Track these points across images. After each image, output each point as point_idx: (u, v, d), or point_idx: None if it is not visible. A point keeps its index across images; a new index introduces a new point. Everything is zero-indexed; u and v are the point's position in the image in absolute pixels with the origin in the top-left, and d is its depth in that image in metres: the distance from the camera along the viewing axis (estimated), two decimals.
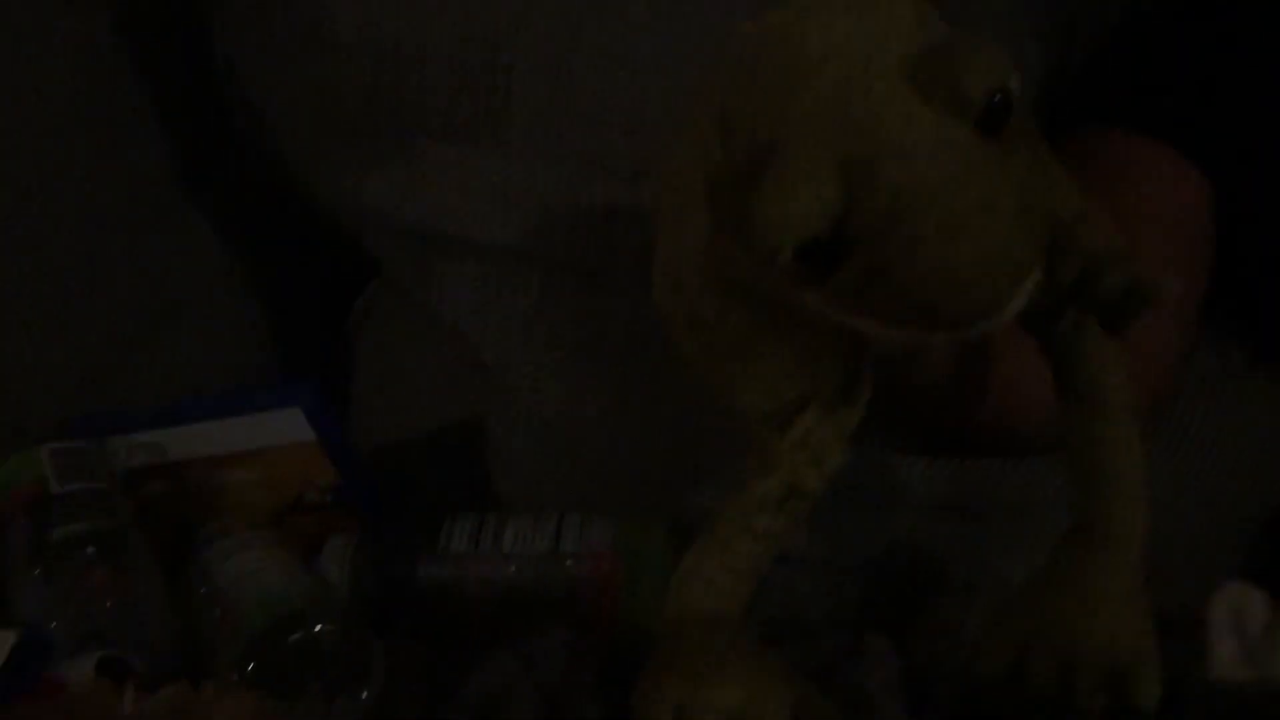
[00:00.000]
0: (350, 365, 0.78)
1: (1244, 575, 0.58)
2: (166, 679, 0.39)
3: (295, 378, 0.72)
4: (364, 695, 0.53)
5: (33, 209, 0.68)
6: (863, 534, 0.63)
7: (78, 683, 0.46)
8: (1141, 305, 0.42)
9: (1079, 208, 0.42)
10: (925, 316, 0.38)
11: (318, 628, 0.53)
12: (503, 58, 0.65)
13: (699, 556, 0.51)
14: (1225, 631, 0.57)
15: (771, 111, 0.39)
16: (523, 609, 0.61)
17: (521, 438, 0.69)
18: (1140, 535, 0.48)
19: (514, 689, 0.51)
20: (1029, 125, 0.40)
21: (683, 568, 0.51)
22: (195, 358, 0.73)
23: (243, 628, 0.54)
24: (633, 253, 0.62)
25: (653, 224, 0.49)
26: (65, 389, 0.68)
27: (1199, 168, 0.63)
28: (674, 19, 0.63)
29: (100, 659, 0.50)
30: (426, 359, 0.73)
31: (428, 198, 0.67)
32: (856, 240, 0.37)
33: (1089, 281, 0.42)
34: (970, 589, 0.61)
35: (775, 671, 0.49)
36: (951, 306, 0.37)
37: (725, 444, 0.63)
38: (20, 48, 0.67)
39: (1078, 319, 0.45)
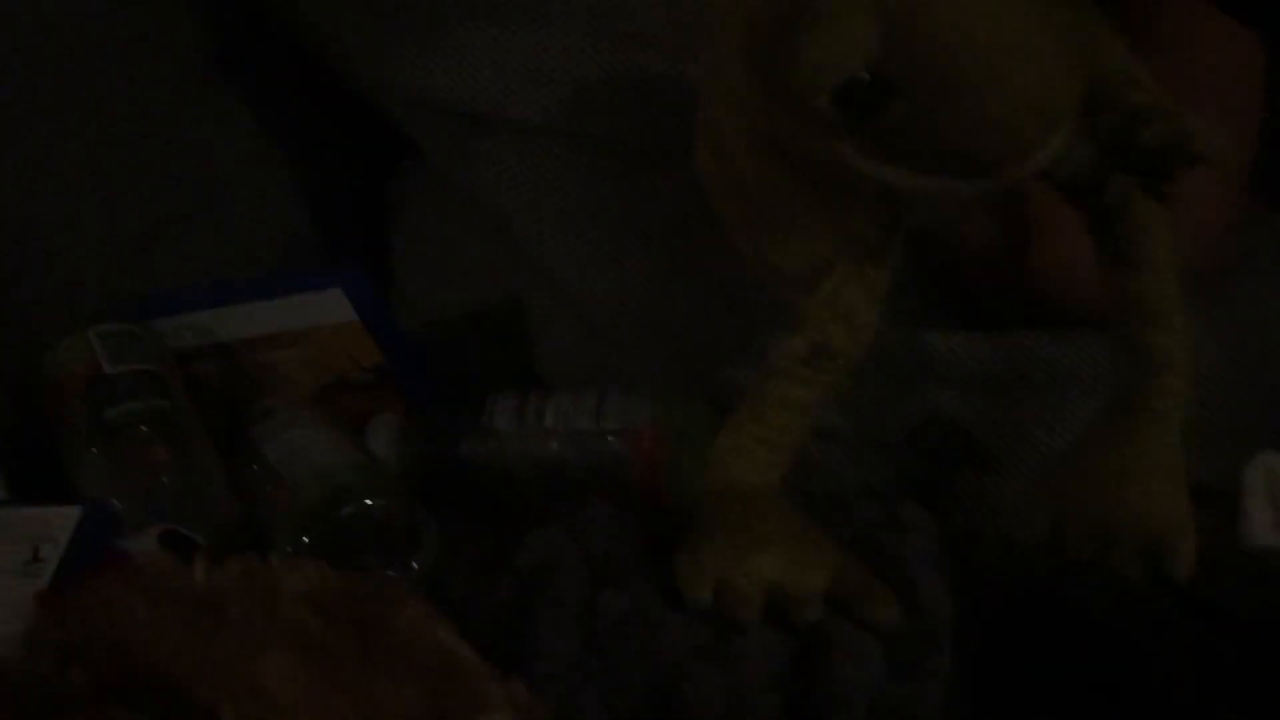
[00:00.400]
0: (388, 245, 0.78)
1: None
2: (228, 553, 0.40)
3: (338, 258, 0.73)
4: (416, 565, 0.54)
5: (76, 90, 0.68)
6: (899, 408, 0.64)
7: (144, 555, 0.48)
8: (1185, 160, 0.41)
9: (1123, 65, 0.42)
10: (958, 159, 0.38)
11: (369, 501, 0.55)
12: None
13: (735, 430, 0.52)
14: (1261, 500, 0.58)
15: None
16: (566, 484, 0.63)
17: (564, 318, 0.69)
18: (1181, 407, 0.48)
19: (561, 558, 0.52)
20: None
21: (719, 441, 0.52)
22: (238, 238, 0.73)
23: (296, 503, 0.56)
24: (676, 129, 0.62)
25: (697, 90, 0.49)
26: (110, 268, 0.68)
27: (1254, 32, 0.61)
28: None
29: (162, 533, 0.52)
30: (467, 239, 0.73)
31: (465, 76, 0.67)
32: (894, 82, 0.37)
33: (1130, 135, 0.41)
34: (1006, 461, 0.61)
35: (813, 541, 0.51)
36: (984, 148, 0.38)
37: (770, 321, 0.64)
38: None
39: (1123, 187, 0.44)
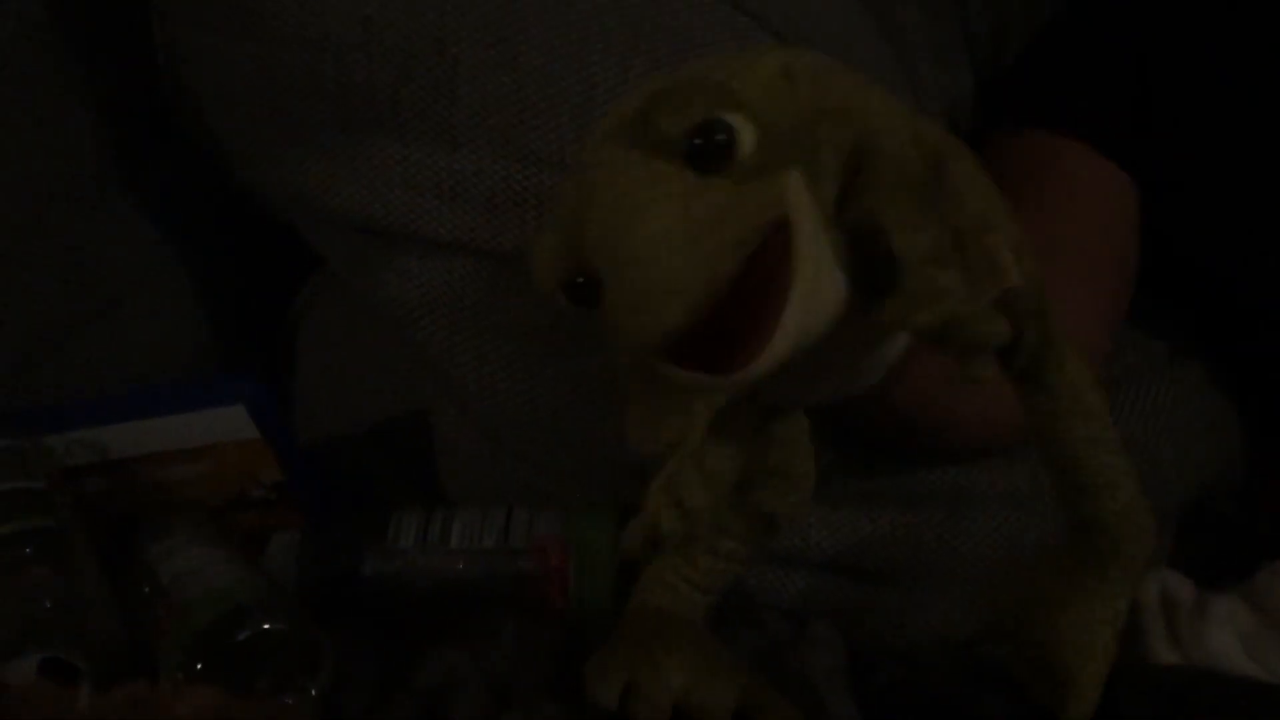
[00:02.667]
0: (292, 359, 0.77)
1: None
2: (113, 679, 0.38)
3: (238, 375, 0.71)
4: (313, 689, 0.52)
5: None
6: (812, 529, 0.64)
7: (22, 684, 0.45)
8: (967, 348, 0.41)
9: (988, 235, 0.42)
10: (632, 342, 0.41)
11: (265, 624, 0.53)
12: (449, 49, 0.64)
13: (663, 564, 0.52)
14: (1155, 615, 0.59)
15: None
16: (471, 602, 0.61)
17: (469, 433, 0.68)
18: (1138, 573, 0.48)
19: (462, 679, 0.51)
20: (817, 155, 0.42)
21: (647, 572, 0.52)
22: (134, 350, 0.71)
23: (188, 626, 0.54)
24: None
25: None
26: (3, 380, 0.66)
27: (1122, 166, 0.64)
28: (624, 10, 0.63)
29: (42, 660, 0.49)
30: (370, 353, 0.73)
31: (371, 193, 0.66)
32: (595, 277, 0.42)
33: (906, 320, 0.42)
34: (915, 581, 0.62)
35: (723, 655, 0.50)
36: (635, 331, 0.41)
37: None
38: None
39: (1038, 344, 0.45)
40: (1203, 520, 0.70)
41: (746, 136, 0.41)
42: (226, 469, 0.66)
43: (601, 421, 0.64)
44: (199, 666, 0.51)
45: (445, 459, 0.70)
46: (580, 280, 0.43)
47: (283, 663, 0.53)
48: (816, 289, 0.41)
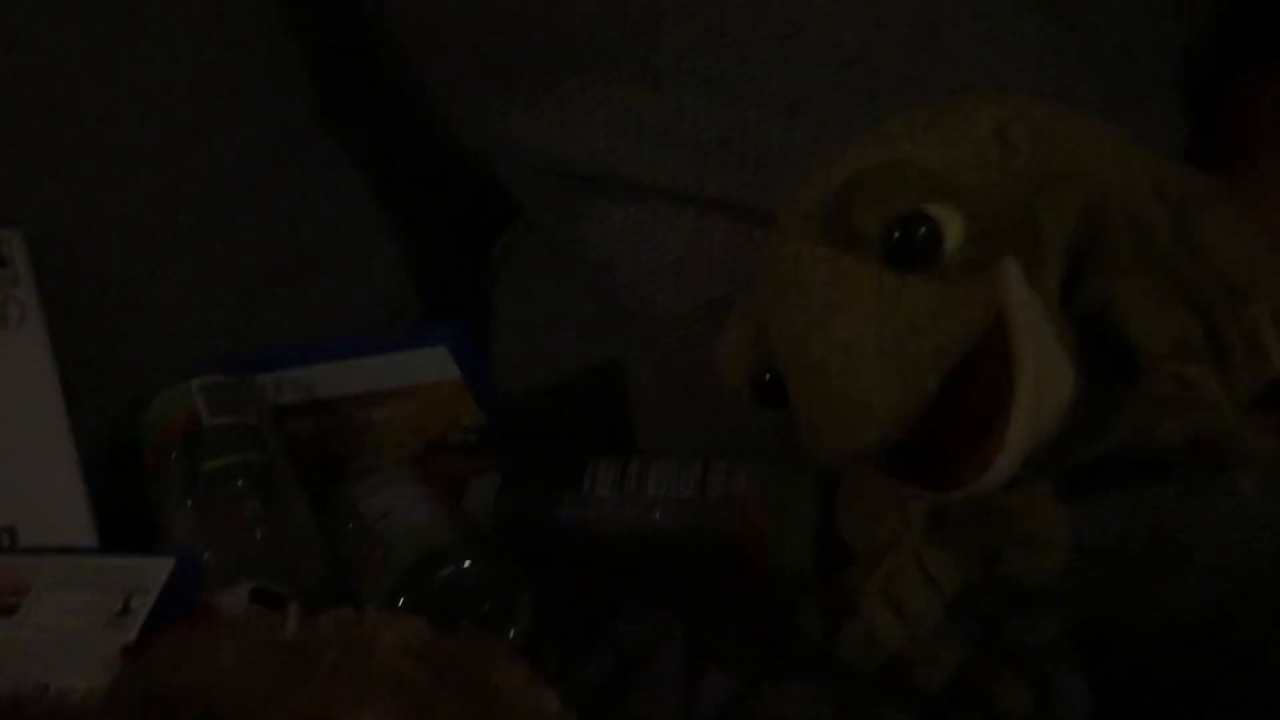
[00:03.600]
0: (489, 310, 0.77)
1: None
2: (321, 610, 0.39)
3: (442, 318, 0.72)
4: (511, 632, 0.52)
5: (182, 146, 0.68)
6: None
7: (235, 609, 0.46)
8: (1218, 463, 0.36)
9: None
10: (825, 454, 0.39)
11: (466, 564, 0.53)
12: None
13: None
14: None
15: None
16: (666, 553, 0.60)
17: (666, 384, 0.67)
18: None
19: (664, 635, 0.50)
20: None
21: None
22: (339, 300, 0.73)
23: (391, 563, 0.54)
24: (788, 189, 0.60)
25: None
26: (215, 325, 0.68)
27: None
28: None
29: (252, 590, 0.50)
30: (568, 302, 0.72)
31: (574, 136, 0.66)
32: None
33: (1149, 428, 0.37)
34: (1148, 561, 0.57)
35: (942, 621, 0.47)
36: (825, 444, 0.38)
37: None
38: None
39: None
40: None
41: (953, 228, 0.37)
42: (428, 411, 0.67)
43: None
44: (401, 603, 0.51)
45: (640, 410, 0.69)
46: (768, 379, 0.41)
47: (482, 605, 0.53)
48: (1042, 394, 0.36)
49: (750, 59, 0.61)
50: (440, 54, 0.71)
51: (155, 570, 0.49)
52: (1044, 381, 0.36)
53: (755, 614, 0.52)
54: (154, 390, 0.63)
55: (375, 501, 0.59)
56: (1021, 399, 0.36)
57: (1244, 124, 0.57)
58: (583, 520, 0.61)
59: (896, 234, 0.36)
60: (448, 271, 0.79)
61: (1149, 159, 0.40)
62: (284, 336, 0.69)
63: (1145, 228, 0.38)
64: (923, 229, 0.36)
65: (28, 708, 0.35)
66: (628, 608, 0.53)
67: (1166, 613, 0.56)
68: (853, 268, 0.37)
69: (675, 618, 0.52)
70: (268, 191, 0.71)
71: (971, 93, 0.42)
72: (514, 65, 0.67)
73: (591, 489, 0.62)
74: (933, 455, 0.37)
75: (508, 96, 0.68)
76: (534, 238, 0.75)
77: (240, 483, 0.58)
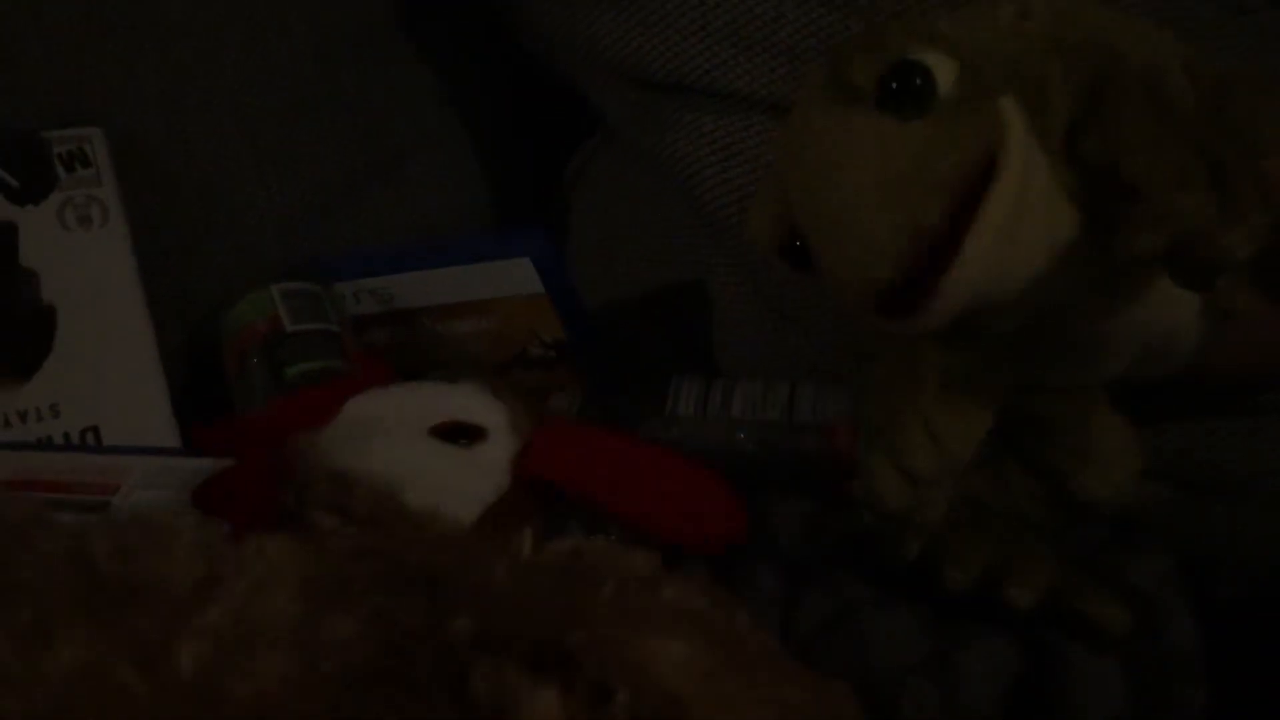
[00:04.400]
0: (567, 223, 0.76)
1: None
2: None
3: (525, 228, 0.71)
4: None
5: (266, 46, 0.67)
6: None
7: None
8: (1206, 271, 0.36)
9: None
10: (847, 303, 0.39)
11: None
12: None
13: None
14: None
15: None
16: (751, 476, 0.59)
17: (752, 304, 0.66)
18: None
19: (759, 556, 0.49)
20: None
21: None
22: (417, 205, 0.72)
23: None
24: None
25: None
26: (294, 228, 0.67)
27: None
28: None
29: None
30: (649, 218, 0.70)
31: (665, 42, 0.64)
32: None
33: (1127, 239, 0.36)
34: (1247, 490, 0.56)
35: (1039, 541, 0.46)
36: (845, 292, 0.39)
37: None
38: None
39: None
40: None
41: (944, 72, 0.38)
42: (509, 325, 0.66)
43: None
44: None
45: (724, 330, 0.67)
46: (796, 244, 0.41)
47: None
48: (1023, 217, 0.37)
49: None
50: None
51: None
52: (1025, 207, 0.37)
53: (849, 536, 0.51)
54: (234, 293, 0.63)
55: None
56: (990, 211, 0.37)
57: None
58: (665, 440, 0.60)
59: (891, 83, 0.38)
60: (524, 182, 0.77)
61: (1184, 49, 0.40)
62: (362, 242, 0.68)
63: (1166, 97, 0.38)
64: (916, 77, 0.38)
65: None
66: None
67: (1265, 546, 0.55)
68: (854, 118, 0.39)
69: (770, 539, 0.51)
70: (348, 94, 0.70)
71: None
72: None
73: (674, 408, 0.61)
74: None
75: (597, 3, 0.66)
76: (614, 151, 0.74)
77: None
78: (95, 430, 0.57)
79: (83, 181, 0.61)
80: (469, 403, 0.51)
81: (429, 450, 0.49)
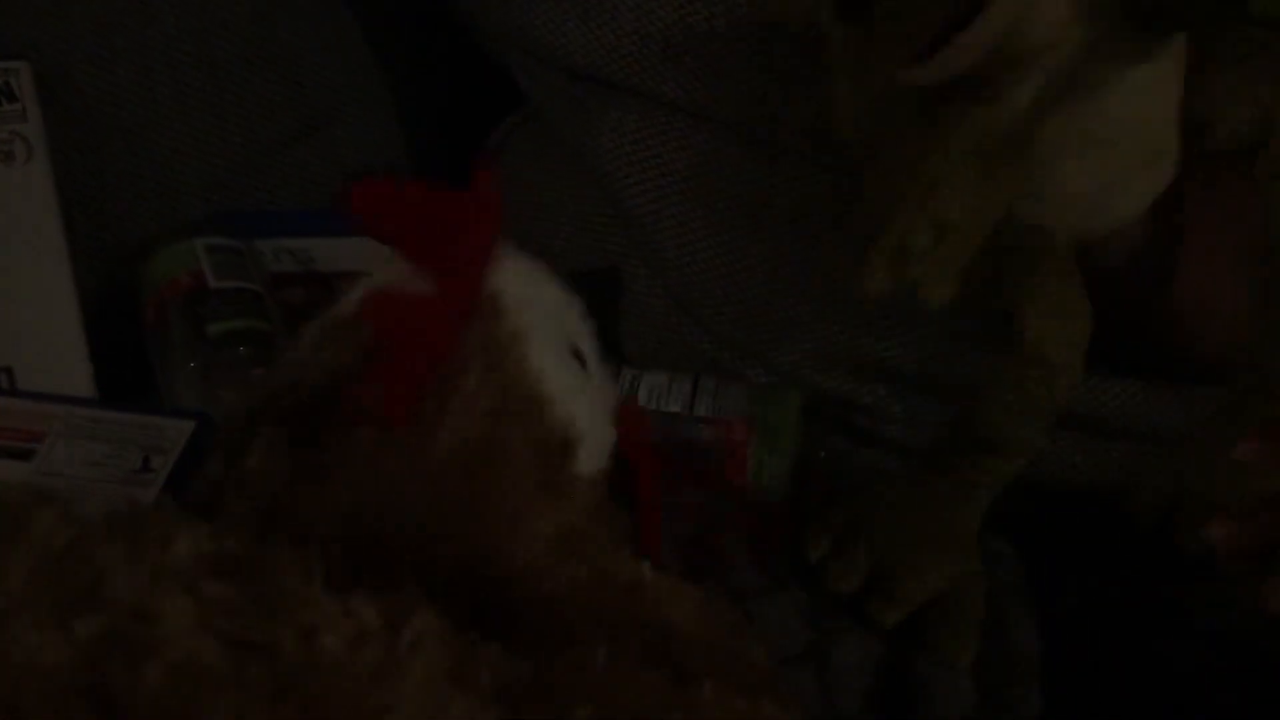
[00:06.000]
0: None
1: None
2: None
3: None
4: None
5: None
6: None
7: None
8: None
9: None
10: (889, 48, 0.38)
11: None
12: None
13: None
14: None
15: None
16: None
17: (659, 297, 0.68)
18: None
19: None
20: None
21: None
22: (342, 167, 0.72)
23: None
24: (804, 120, 0.62)
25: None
26: (219, 181, 0.68)
27: None
28: None
29: None
30: (568, 200, 0.72)
31: (599, 40, 0.66)
32: None
33: None
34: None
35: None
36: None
37: (874, 328, 0.63)
38: None
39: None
40: None
41: None
42: None
43: (797, 307, 0.64)
44: None
45: (631, 319, 0.70)
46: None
47: None
48: None
49: None
50: None
51: (175, 431, 0.49)
52: None
53: (742, 530, 0.55)
54: (154, 242, 0.63)
55: None
56: None
57: None
58: None
59: None
60: (448, 150, 0.79)
61: None
62: (287, 201, 0.69)
63: None
64: None
65: None
66: None
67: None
68: None
69: (665, 522, 0.54)
70: (278, 44, 0.70)
71: None
72: None
73: None
74: None
75: None
76: (537, 130, 0.75)
77: (244, 349, 0.59)
78: (9, 371, 0.57)
79: (7, 116, 0.60)
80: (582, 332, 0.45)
81: (577, 374, 0.43)
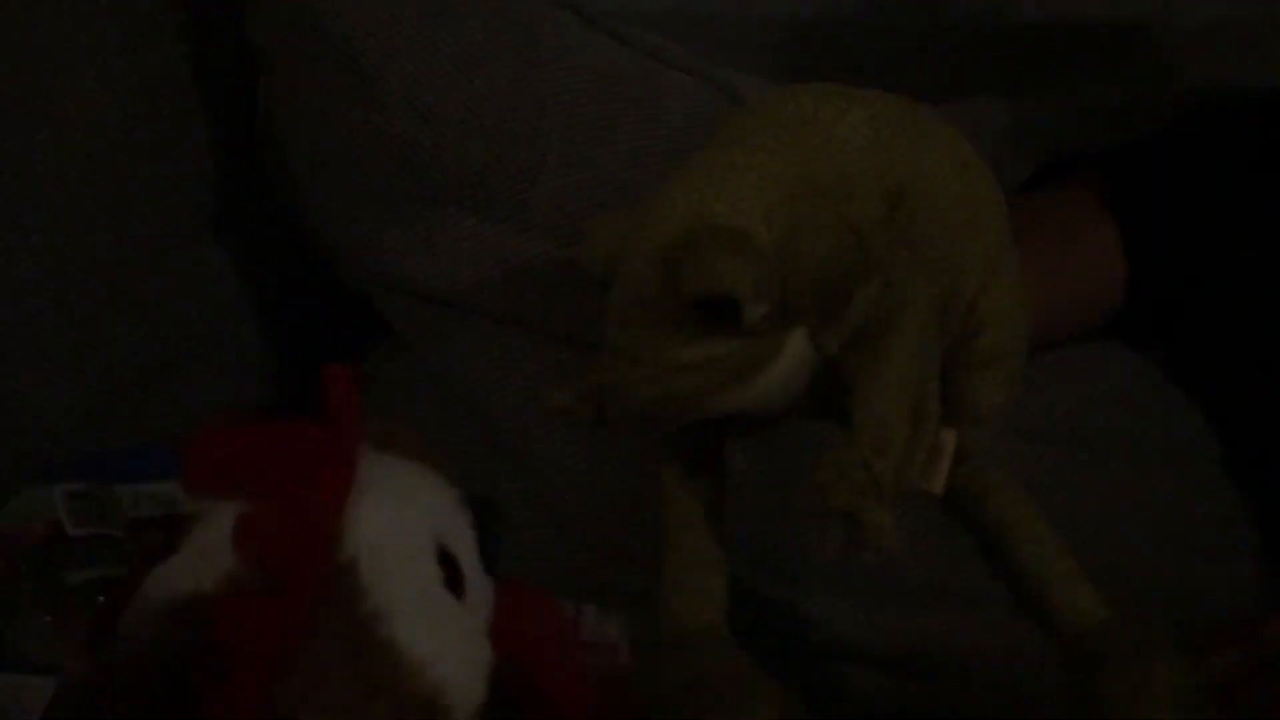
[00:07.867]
0: None
1: None
2: None
3: None
4: None
5: (68, 239, 0.67)
6: None
7: None
8: None
9: None
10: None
11: None
12: (541, 139, 0.67)
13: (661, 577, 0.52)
14: None
15: None
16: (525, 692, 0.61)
17: (535, 516, 0.69)
18: None
19: None
20: None
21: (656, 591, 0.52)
22: (204, 403, 0.71)
23: None
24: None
25: None
26: (75, 423, 0.66)
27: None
28: (708, 130, 0.65)
29: None
30: (437, 426, 0.73)
31: (441, 265, 0.68)
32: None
33: None
34: None
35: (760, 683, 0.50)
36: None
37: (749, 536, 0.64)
38: (76, 81, 0.67)
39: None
40: None
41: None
42: None
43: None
44: None
45: (509, 543, 0.69)
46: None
47: None
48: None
49: None
50: (324, 169, 0.72)
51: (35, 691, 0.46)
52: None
53: None
54: (6, 487, 0.60)
55: None
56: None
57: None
58: None
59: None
60: (314, 382, 0.78)
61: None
62: (146, 439, 0.67)
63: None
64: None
65: None
66: None
67: None
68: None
69: None
70: (144, 282, 0.70)
71: None
72: (395, 192, 0.69)
73: None
74: None
75: (384, 220, 0.70)
76: (402, 358, 0.76)
77: (103, 599, 0.56)
78: None
79: None
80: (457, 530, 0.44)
81: (446, 610, 0.42)
